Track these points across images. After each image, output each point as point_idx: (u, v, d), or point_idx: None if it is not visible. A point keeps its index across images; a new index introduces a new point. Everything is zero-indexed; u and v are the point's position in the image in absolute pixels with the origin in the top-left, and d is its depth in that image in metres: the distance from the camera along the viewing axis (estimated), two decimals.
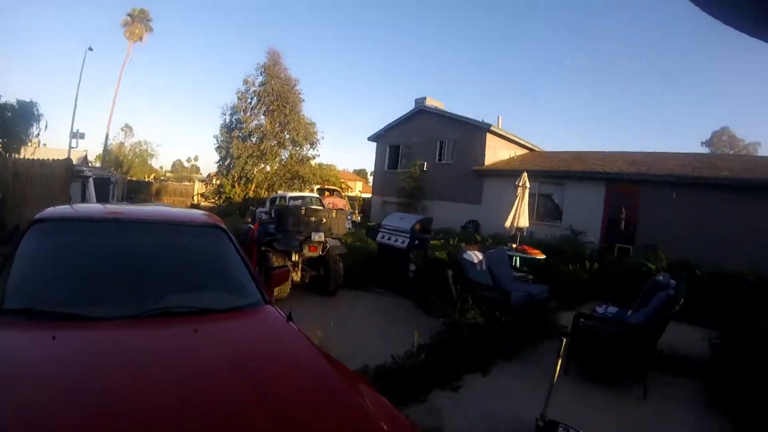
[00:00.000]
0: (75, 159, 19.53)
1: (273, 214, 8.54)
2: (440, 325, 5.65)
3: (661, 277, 5.51)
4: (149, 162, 43.83)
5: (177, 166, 54.43)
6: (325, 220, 7.55)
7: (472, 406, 3.97)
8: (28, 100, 16.51)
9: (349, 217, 15.76)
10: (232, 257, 3.05)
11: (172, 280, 2.75)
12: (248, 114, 25.77)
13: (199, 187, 28.99)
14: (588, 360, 4.87)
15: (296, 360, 2.14)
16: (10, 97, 16.60)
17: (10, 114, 15.45)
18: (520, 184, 10.36)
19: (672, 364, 5.06)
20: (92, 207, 4.04)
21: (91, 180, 11.75)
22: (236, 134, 25.39)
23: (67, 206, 3.61)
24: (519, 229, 10.41)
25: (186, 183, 31.55)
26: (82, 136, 22.69)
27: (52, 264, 2.67)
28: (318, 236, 7.23)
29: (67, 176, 10.45)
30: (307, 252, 7.25)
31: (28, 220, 2.88)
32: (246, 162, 24.28)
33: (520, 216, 10.21)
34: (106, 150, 21.34)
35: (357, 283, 8.30)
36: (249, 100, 26.09)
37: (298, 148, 25.81)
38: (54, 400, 1.55)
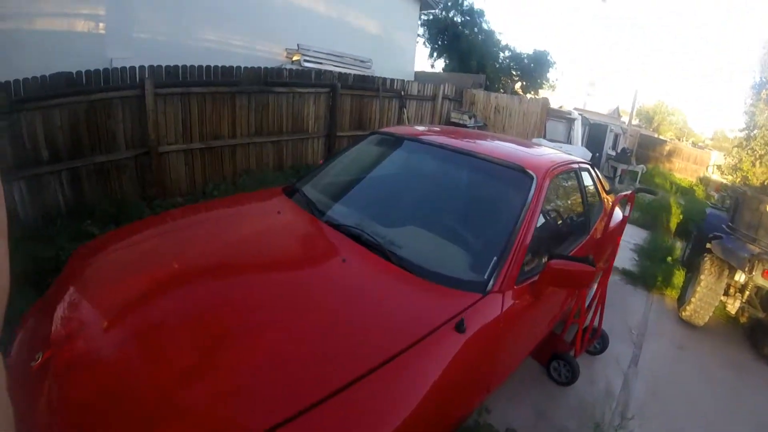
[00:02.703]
0: (605, 110, 19.83)
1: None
2: None
3: None
4: (686, 124, 40.36)
5: (718, 134, 46.28)
6: None
7: None
8: (541, 49, 19.03)
9: None
10: (507, 220, 2.34)
11: (422, 215, 2.63)
12: None
13: (717, 158, 23.66)
14: None
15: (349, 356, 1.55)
16: (528, 48, 19.23)
17: (526, 61, 17.69)
18: None
19: None
20: (422, 129, 3.74)
21: (577, 123, 11.91)
22: (764, 95, 18.68)
23: (408, 126, 4.02)
24: None
25: (704, 149, 26.64)
26: (593, 84, 22.79)
27: (348, 166, 3.18)
28: None
29: (542, 114, 10.84)
30: (760, 278, 4.20)
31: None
32: None
33: None
34: (634, 104, 20.52)
35: None
36: None
37: None
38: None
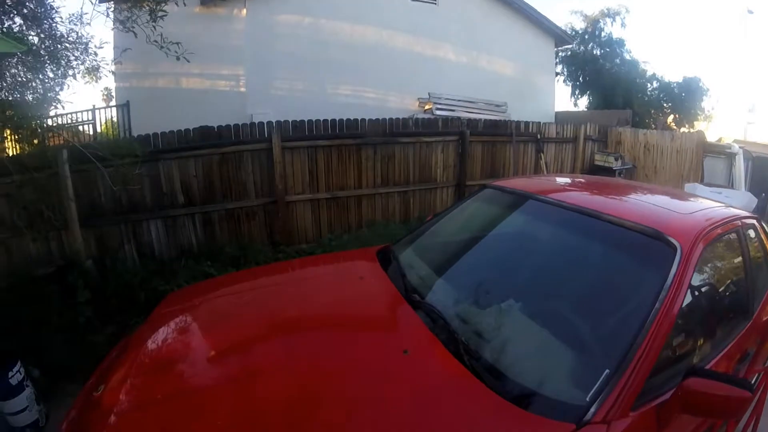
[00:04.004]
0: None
1: None
2: None
3: None
4: None
5: None
6: None
7: None
8: (691, 75, 16.92)
9: None
10: (632, 312, 1.67)
11: (518, 297, 1.98)
12: None
13: None
14: None
15: None
16: (675, 75, 17.38)
17: (676, 90, 15.90)
18: None
19: None
20: (542, 181, 3.22)
21: (738, 158, 9.95)
22: None
23: (522, 179, 3.53)
24: None
25: None
26: (753, 109, 19.42)
27: (451, 227, 2.85)
28: None
29: (698, 150, 9.36)
30: None
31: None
32: None
33: None
34: None
35: None
36: None
37: None
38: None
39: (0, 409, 2.85)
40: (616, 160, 9.40)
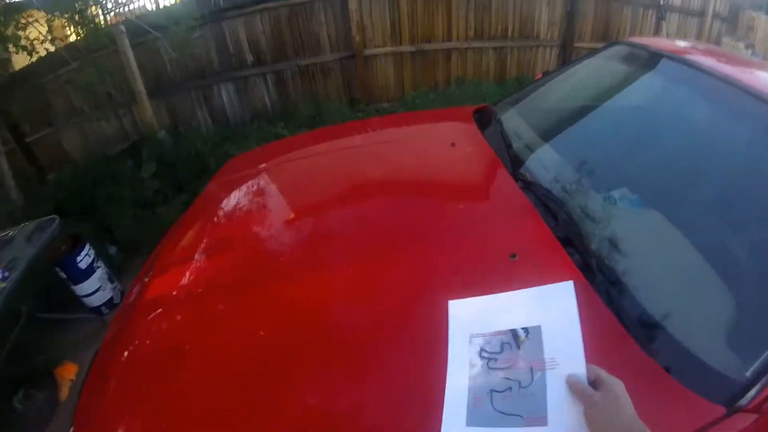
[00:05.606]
0: None
1: None
2: None
3: None
4: None
5: None
6: None
7: None
8: None
9: None
10: None
11: (663, 197, 1.39)
12: None
13: None
14: None
15: None
16: None
17: None
18: None
19: None
20: (689, 46, 2.22)
21: None
22: None
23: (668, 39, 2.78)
24: None
25: None
26: None
27: (572, 89, 2.21)
28: None
29: None
30: None
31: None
32: None
33: None
34: None
35: None
36: None
37: None
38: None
39: (75, 292, 2.83)
40: (747, 48, 7.83)
